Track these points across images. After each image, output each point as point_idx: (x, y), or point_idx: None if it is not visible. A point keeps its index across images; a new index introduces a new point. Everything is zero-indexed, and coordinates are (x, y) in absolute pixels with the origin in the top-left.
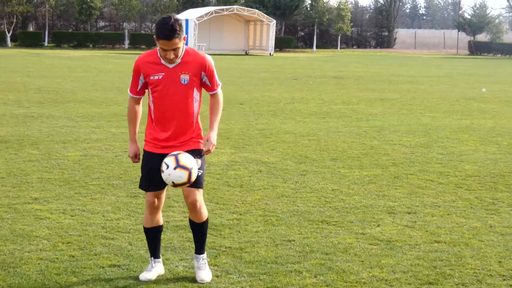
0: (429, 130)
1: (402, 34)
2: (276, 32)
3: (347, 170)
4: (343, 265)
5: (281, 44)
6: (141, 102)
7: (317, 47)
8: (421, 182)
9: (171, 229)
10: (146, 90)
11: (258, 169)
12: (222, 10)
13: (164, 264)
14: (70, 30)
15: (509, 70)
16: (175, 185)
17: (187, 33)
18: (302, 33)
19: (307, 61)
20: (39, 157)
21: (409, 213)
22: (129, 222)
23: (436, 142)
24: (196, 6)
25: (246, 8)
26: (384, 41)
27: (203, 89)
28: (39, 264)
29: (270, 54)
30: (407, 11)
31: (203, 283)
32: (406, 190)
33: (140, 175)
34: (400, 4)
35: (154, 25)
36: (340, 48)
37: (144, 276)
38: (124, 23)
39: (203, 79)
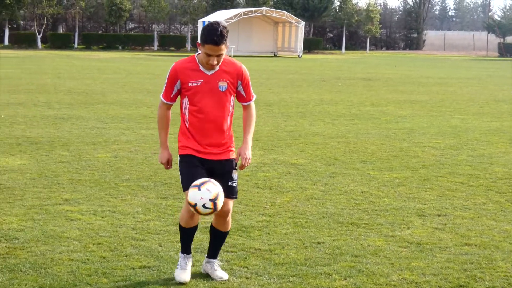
0: (459, 132)
1: (431, 36)
2: (304, 33)
3: (376, 172)
4: (373, 267)
5: (310, 46)
6: (171, 108)
7: (346, 48)
8: (451, 185)
9: (201, 230)
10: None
11: (287, 171)
12: (251, 12)
13: (194, 265)
14: (99, 32)
15: None
16: (194, 208)
17: None
18: (331, 35)
19: (335, 63)
20: (70, 159)
21: (439, 216)
22: (159, 224)
23: (466, 144)
24: (225, 8)
25: (275, 9)
26: (413, 43)
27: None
28: (70, 265)
29: (298, 55)
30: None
31: (223, 280)
32: (436, 193)
33: (181, 180)
34: (430, 5)
35: (201, 30)
36: (369, 49)
37: (181, 277)
38: (153, 25)
39: (239, 88)
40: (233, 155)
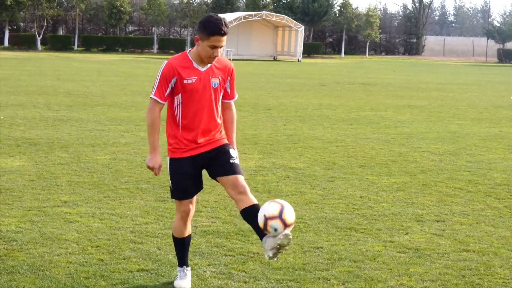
0: (458, 137)
1: (430, 41)
2: (304, 38)
3: (375, 177)
4: (371, 273)
5: (309, 50)
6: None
7: (346, 53)
8: (450, 190)
9: (199, 234)
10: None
11: (286, 175)
12: (251, 15)
13: (192, 269)
14: (99, 34)
15: None
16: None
17: None
18: (331, 39)
19: (335, 67)
20: (69, 160)
21: (438, 221)
22: (157, 227)
23: (465, 150)
24: (225, 12)
25: (275, 14)
26: (413, 48)
27: None
28: (68, 267)
29: (298, 60)
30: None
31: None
32: (434, 198)
33: (170, 185)
34: (429, 11)
35: (200, 22)
36: (369, 54)
37: (180, 285)
38: (153, 28)
39: (226, 84)
40: (226, 141)
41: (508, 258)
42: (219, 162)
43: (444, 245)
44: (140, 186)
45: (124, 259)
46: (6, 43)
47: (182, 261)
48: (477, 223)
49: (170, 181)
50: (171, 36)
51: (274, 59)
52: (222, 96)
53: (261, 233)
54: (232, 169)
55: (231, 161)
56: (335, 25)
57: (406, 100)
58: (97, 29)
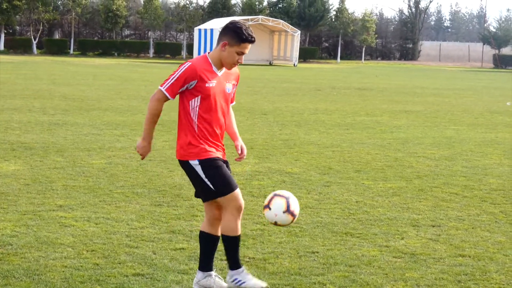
0: (453, 143)
1: (426, 46)
2: (300, 42)
3: (371, 182)
4: (367, 277)
5: (305, 55)
6: None
7: (341, 58)
8: (446, 195)
9: (195, 238)
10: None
11: (282, 179)
12: (247, 20)
13: (188, 274)
14: (95, 38)
15: None
16: (276, 224)
17: (211, 42)
18: (327, 44)
19: (331, 72)
20: (64, 165)
21: (434, 226)
22: (153, 231)
23: (461, 155)
24: (221, 16)
25: (271, 18)
26: (409, 53)
27: None
28: (63, 271)
29: (294, 64)
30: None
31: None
32: (430, 203)
33: (211, 185)
34: (425, 16)
35: (229, 27)
36: (365, 59)
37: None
38: (149, 32)
39: (234, 89)
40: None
41: (503, 263)
42: None
43: (439, 250)
44: (135, 190)
45: (120, 263)
46: (2, 47)
47: (239, 262)
48: (472, 228)
49: (206, 182)
50: (167, 40)
51: (270, 64)
52: None
53: (238, 261)
54: None
55: None
56: (331, 30)
57: (402, 105)
58: (93, 33)
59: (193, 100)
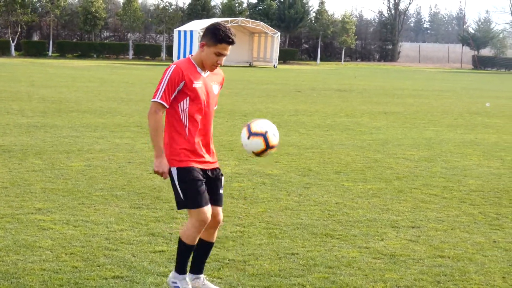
0: (433, 144)
1: (406, 47)
2: (280, 44)
3: (351, 183)
4: (346, 279)
5: (285, 56)
6: None
7: (321, 59)
8: (425, 197)
9: (175, 241)
10: None
11: (262, 181)
12: (227, 22)
13: (168, 276)
14: (74, 40)
15: None
16: (257, 154)
17: (191, 44)
18: (306, 46)
19: (311, 74)
20: (43, 167)
21: (413, 228)
22: (132, 234)
23: (440, 156)
24: (201, 18)
25: (251, 20)
26: (388, 55)
27: None
28: (42, 275)
29: (274, 66)
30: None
31: None
32: (410, 204)
33: (181, 194)
34: (405, 17)
35: (208, 28)
36: (344, 61)
37: None
38: (129, 34)
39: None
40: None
41: (482, 263)
42: (211, 188)
43: (419, 251)
44: (114, 193)
45: (99, 266)
46: None
47: (185, 268)
48: (452, 229)
49: (178, 190)
50: (146, 42)
51: (250, 65)
52: None
53: (201, 268)
54: (219, 201)
55: (220, 191)
56: (311, 32)
57: (382, 106)
58: (72, 35)
59: (182, 102)
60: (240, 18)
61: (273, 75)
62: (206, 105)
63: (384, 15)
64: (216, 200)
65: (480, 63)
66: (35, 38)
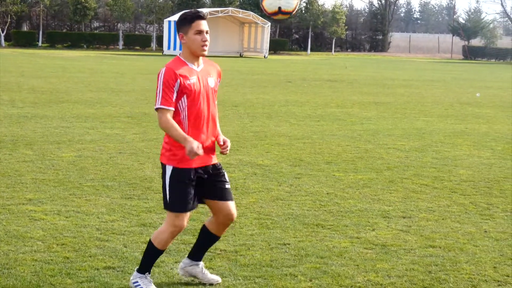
0: (424, 134)
1: (396, 38)
2: (270, 34)
3: (341, 174)
4: (338, 269)
5: (276, 47)
6: None
7: (312, 50)
8: (416, 187)
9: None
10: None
11: (253, 171)
12: (217, 12)
13: (159, 267)
14: (64, 31)
15: (503, 75)
16: (278, 12)
17: None
18: (297, 36)
19: (301, 64)
20: (33, 158)
21: (404, 218)
22: (123, 224)
23: (431, 147)
24: (191, 8)
25: (241, 10)
26: (379, 45)
27: None
28: (33, 265)
29: (264, 56)
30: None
31: (218, 282)
32: (401, 194)
33: (168, 196)
34: (395, 8)
35: (177, 21)
36: (335, 51)
37: None
38: (119, 24)
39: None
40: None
41: (473, 253)
42: (214, 184)
43: (410, 241)
44: (105, 183)
45: (90, 256)
46: None
47: (149, 269)
48: (443, 219)
49: (168, 191)
50: (136, 32)
51: (241, 56)
52: None
53: (201, 256)
54: (227, 195)
55: (227, 186)
56: (301, 22)
57: (372, 96)
58: (61, 25)
59: (179, 102)
60: (230, 8)
61: (263, 65)
62: (204, 99)
63: (374, 5)
64: (223, 196)
65: (470, 53)
66: (25, 28)
